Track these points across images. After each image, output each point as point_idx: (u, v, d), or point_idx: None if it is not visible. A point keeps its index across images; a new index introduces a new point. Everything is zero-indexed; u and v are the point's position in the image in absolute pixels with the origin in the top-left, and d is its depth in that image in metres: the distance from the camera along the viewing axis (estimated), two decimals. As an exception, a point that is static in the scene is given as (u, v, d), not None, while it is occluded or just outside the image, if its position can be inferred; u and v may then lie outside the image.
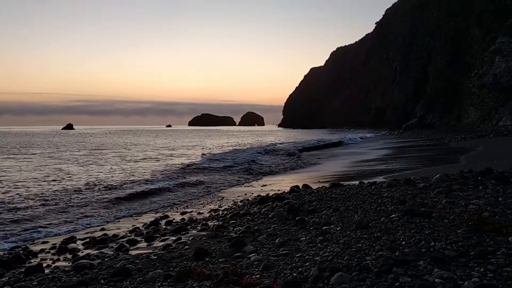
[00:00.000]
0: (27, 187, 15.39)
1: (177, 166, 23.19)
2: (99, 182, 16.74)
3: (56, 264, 6.98)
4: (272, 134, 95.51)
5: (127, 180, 17.39)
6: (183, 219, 10.15)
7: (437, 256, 4.13)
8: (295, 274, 4.27)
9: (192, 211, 11.30)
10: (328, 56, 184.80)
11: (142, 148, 42.99)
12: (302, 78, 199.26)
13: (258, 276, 4.41)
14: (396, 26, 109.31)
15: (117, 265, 6.03)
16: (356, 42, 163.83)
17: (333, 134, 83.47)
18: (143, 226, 9.75)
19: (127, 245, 7.76)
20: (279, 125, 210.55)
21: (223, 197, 13.52)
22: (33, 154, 34.79)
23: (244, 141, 56.88)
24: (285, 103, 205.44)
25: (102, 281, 5.29)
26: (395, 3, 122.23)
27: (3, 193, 14.09)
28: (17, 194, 13.89)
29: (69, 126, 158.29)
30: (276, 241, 5.95)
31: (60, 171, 21.13)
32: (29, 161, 27.24)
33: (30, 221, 10.29)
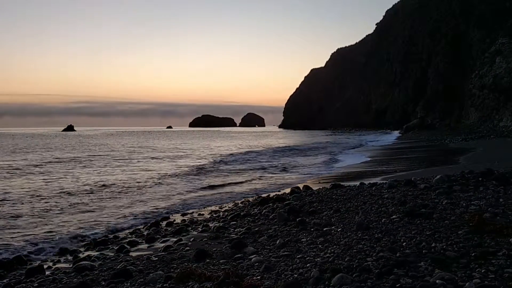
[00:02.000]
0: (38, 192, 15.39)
1: (190, 168, 22.83)
2: (112, 185, 16.61)
3: (57, 265, 6.98)
4: (278, 136, 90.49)
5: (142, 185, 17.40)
6: (184, 220, 10.14)
7: (438, 257, 4.13)
8: (296, 275, 4.26)
9: (192, 212, 11.30)
10: (329, 57, 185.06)
11: (149, 151, 40.73)
12: (302, 79, 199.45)
13: (258, 277, 4.41)
14: (396, 27, 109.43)
15: (118, 267, 6.02)
16: (356, 43, 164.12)
17: (335, 136, 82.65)
18: (144, 227, 9.75)
19: (128, 247, 7.75)
20: (280, 126, 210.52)
21: (224, 198, 13.51)
22: (37, 156, 34.78)
23: (263, 144, 53.17)
24: (285, 104, 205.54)
25: (103, 283, 5.28)
26: (395, 4, 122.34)
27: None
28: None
29: (70, 128, 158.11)
30: (277, 242, 5.95)
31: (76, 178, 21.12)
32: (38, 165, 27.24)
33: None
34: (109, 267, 6.17)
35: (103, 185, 16.38)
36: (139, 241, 8.25)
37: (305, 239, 5.89)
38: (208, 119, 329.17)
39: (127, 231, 9.47)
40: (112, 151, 41.17)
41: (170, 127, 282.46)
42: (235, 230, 7.75)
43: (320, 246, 5.35)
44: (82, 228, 9.75)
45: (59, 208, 12.00)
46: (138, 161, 28.62)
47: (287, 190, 12.85)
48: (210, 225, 8.89)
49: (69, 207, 12.15)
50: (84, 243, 8.50)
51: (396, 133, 71.43)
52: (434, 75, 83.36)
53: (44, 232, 9.31)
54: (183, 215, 11.04)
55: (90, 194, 14.33)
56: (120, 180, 17.94)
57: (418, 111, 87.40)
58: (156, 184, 16.73)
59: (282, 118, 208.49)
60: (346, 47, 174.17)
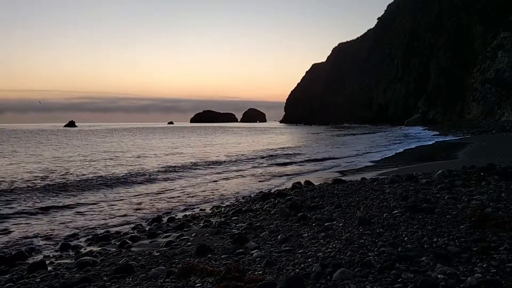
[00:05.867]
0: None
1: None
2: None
3: (59, 261, 7.00)
4: (284, 132, 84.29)
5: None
6: (186, 215, 10.16)
7: (440, 252, 4.12)
8: (297, 270, 4.26)
9: (194, 208, 11.32)
10: (330, 52, 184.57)
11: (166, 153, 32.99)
12: (304, 74, 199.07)
13: (260, 272, 4.41)
14: (398, 22, 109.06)
15: (120, 262, 6.04)
16: (358, 38, 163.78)
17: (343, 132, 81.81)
18: (145, 222, 9.77)
19: (130, 242, 7.76)
20: (281, 121, 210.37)
21: (225, 195, 13.53)
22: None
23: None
24: (286, 99, 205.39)
25: (105, 278, 5.29)
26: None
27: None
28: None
29: (71, 124, 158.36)
30: (279, 237, 5.95)
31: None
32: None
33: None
34: (111, 262, 6.18)
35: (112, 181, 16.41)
36: (141, 236, 8.27)
37: (306, 234, 5.88)
38: (209, 115, 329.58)
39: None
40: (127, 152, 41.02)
41: (171, 122, 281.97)
42: (237, 225, 7.75)
43: (321, 241, 5.34)
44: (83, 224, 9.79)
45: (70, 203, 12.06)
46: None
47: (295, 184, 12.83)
48: (212, 220, 8.89)
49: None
50: (86, 238, 8.53)
51: (418, 128, 68.55)
52: (436, 70, 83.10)
53: (47, 227, 9.34)
54: (184, 210, 11.07)
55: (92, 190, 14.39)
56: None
57: (420, 106, 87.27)
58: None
59: (283, 113, 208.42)
60: (347, 42, 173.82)
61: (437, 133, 48.66)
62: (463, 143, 28.55)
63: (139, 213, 11.11)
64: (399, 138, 43.88)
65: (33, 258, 7.22)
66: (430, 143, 33.12)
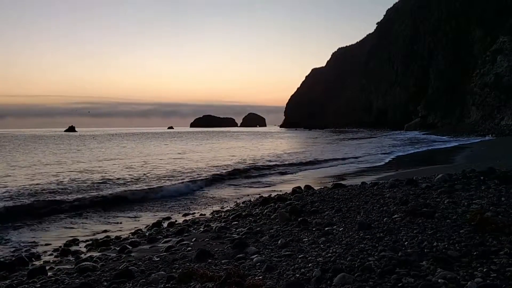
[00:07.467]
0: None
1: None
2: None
3: (59, 266, 6.97)
4: (284, 137, 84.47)
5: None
6: (186, 220, 10.15)
7: (440, 256, 4.12)
8: (297, 275, 4.26)
9: (194, 213, 11.31)
10: (329, 56, 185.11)
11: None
12: (303, 78, 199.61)
13: (260, 277, 4.41)
14: (397, 26, 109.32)
15: (120, 267, 6.02)
16: (357, 42, 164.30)
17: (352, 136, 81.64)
18: (145, 227, 9.76)
19: (130, 247, 7.74)
20: (281, 126, 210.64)
21: (225, 199, 13.53)
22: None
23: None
24: (286, 104, 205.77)
25: (105, 283, 5.28)
26: (396, 3, 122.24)
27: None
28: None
29: (71, 129, 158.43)
30: (279, 242, 5.94)
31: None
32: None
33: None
34: (111, 268, 6.16)
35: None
36: (141, 241, 8.25)
37: (306, 239, 5.88)
38: (209, 119, 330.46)
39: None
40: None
41: (171, 127, 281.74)
42: (237, 230, 7.74)
43: (321, 245, 5.34)
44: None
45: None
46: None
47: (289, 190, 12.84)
48: (212, 225, 8.87)
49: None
50: (86, 243, 8.52)
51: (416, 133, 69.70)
52: (435, 74, 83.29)
53: (47, 233, 9.33)
54: (184, 215, 11.07)
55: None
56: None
57: (420, 110, 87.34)
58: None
59: (283, 117, 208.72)
60: (347, 46, 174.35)
61: (444, 137, 48.51)
62: (463, 147, 28.56)
63: (138, 218, 11.10)
64: (398, 143, 44.13)
65: (33, 264, 7.21)
66: (435, 147, 33.23)
